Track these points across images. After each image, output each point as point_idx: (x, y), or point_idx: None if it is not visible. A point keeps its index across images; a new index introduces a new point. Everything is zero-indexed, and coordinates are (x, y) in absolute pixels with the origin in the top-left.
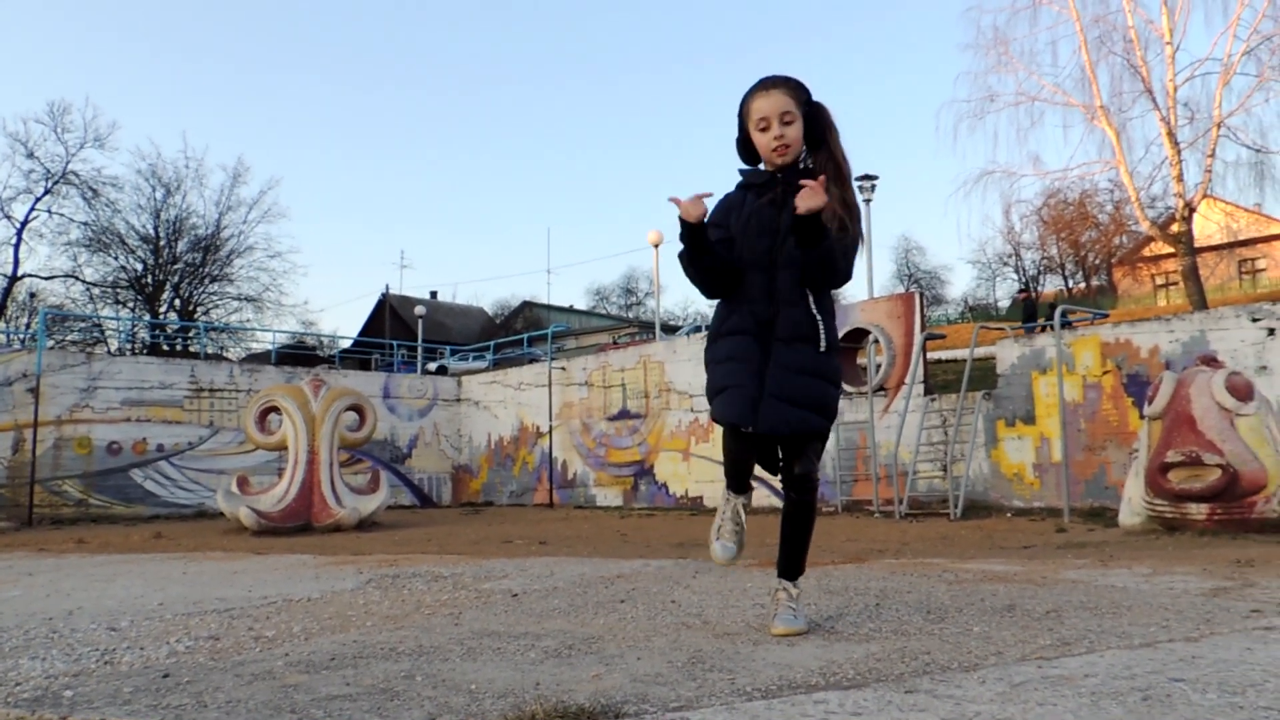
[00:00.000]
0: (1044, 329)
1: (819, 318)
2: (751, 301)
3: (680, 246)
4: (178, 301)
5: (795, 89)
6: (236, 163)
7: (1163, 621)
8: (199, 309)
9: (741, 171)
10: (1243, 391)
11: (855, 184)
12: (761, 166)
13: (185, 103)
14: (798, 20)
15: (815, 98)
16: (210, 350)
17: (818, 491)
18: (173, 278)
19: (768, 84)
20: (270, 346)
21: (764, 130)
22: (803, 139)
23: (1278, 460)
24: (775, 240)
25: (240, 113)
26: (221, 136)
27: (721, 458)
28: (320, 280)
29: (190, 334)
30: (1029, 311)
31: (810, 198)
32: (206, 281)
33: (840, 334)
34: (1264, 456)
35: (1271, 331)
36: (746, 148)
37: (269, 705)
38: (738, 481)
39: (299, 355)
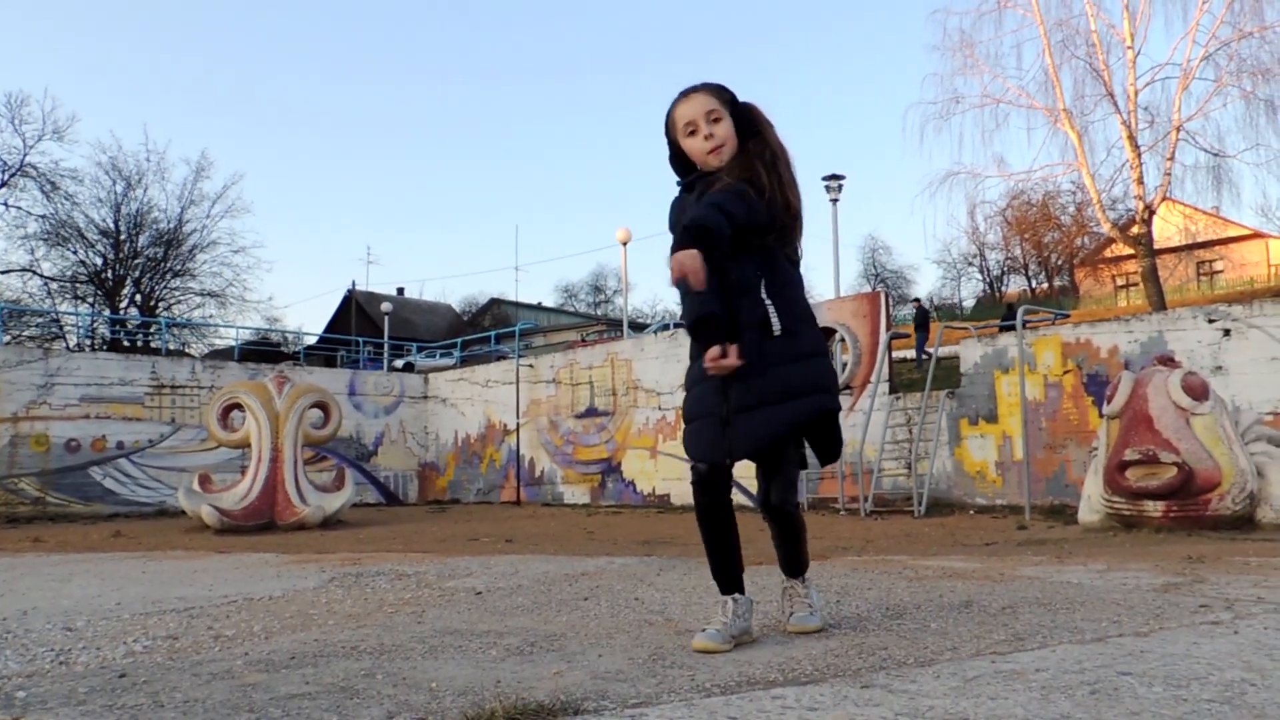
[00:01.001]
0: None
1: (767, 301)
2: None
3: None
4: (139, 297)
5: (717, 90)
6: (200, 156)
7: (1114, 617)
8: (160, 304)
9: (682, 182)
10: (1198, 391)
11: (796, 175)
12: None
13: (147, 95)
14: (767, 20)
15: (742, 99)
16: (172, 346)
17: (797, 511)
18: (133, 272)
19: (687, 91)
20: (234, 343)
21: (693, 134)
22: (735, 137)
23: (1231, 459)
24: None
25: (204, 106)
26: (184, 130)
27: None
28: (285, 276)
29: (151, 330)
30: (921, 319)
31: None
32: (168, 277)
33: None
34: (1218, 455)
35: (1227, 332)
36: (680, 161)
37: (227, 704)
38: (727, 569)
39: (263, 352)
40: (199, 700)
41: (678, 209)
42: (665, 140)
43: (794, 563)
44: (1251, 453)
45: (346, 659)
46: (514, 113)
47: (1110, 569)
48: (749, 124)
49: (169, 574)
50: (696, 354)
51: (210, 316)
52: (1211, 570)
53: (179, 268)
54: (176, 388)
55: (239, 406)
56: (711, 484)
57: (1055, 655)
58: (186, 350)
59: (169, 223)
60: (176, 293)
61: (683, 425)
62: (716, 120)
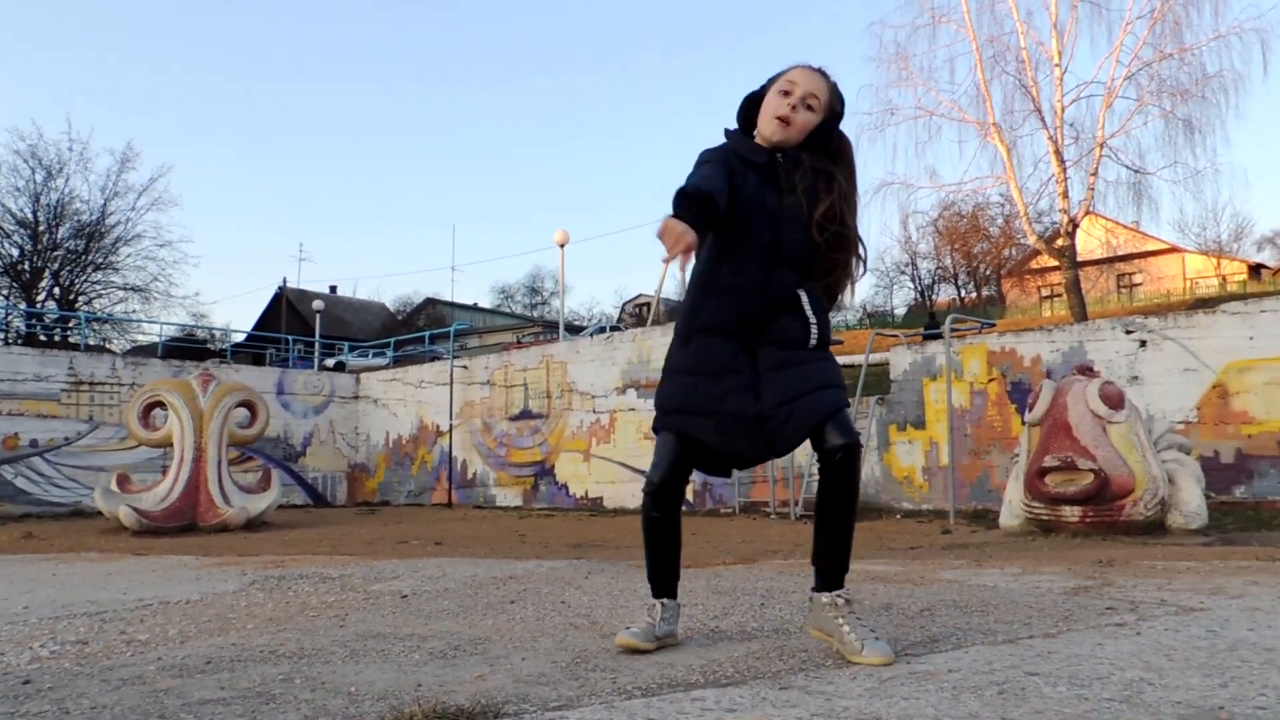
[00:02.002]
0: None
1: (812, 319)
2: (740, 295)
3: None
4: (57, 290)
5: (836, 94)
6: (125, 147)
7: (1025, 619)
8: (80, 298)
9: (732, 136)
10: (1115, 400)
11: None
12: (754, 136)
13: (70, 84)
14: (704, 26)
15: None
16: (92, 342)
17: (861, 457)
18: (52, 265)
19: (817, 68)
20: (157, 339)
21: (784, 94)
22: (804, 138)
23: (1144, 466)
24: (779, 232)
25: (130, 96)
26: (109, 120)
27: (643, 480)
28: (213, 272)
29: (70, 324)
30: None
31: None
32: (89, 270)
33: None
34: (1132, 462)
35: (1143, 344)
36: (750, 109)
37: (137, 710)
38: (664, 576)
39: (188, 349)
40: (107, 707)
41: (735, 176)
42: (761, 86)
43: (843, 556)
44: (1163, 460)
45: (264, 663)
46: (452, 111)
47: (1025, 572)
48: (831, 142)
49: (81, 577)
50: (686, 337)
51: (133, 312)
52: (1120, 574)
53: (101, 261)
54: (95, 384)
55: (161, 405)
56: (666, 498)
57: (968, 656)
58: (107, 346)
59: (91, 214)
60: (98, 287)
61: (667, 415)
62: (810, 108)
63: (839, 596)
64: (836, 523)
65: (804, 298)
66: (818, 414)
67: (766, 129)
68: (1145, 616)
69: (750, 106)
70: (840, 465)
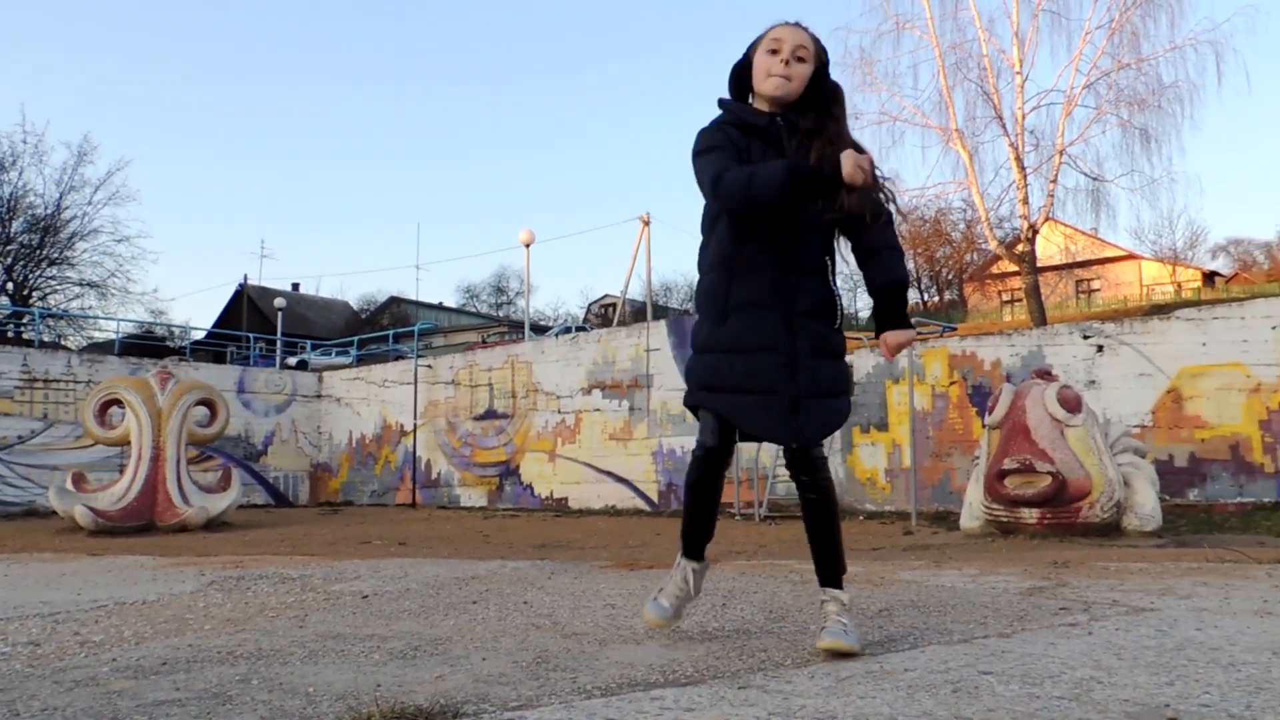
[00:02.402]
0: None
1: (837, 293)
2: (768, 270)
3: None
4: (10, 285)
5: (820, 45)
6: (82, 140)
7: (981, 619)
8: (35, 294)
9: (730, 105)
10: (1072, 404)
11: None
12: (751, 102)
13: (24, 75)
14: (673, 26)
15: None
16: (46, 338)
17: (829, 471)
18: (5, 259)
19: (794, 23)
20: (114, 336)
21: (773, 53)
22: (803, 90)
23: (1101, 469)
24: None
25: (88, 89)
26: (66, 113)
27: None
28: (172, 268)
29: (24, 320)
30: None
31: (851, 168)
32: (44, 265)
33: None
34: (1089, 465)
35: (1100, 348)
36: (740, 78)
37: (89, 712)
38: (698, 537)
39: (147, 346)
40: (59, 709)
41: (740, 153)
42: (746, 51)
43: (831, 559)
44: (1119, 463)
45: (221, 664)
46: (417, 108)
47: (983, 573)
48: (824, 90)
49: (34, 577)
50: (722, 315)
51: (90, 308)
52: (1075, 575)
53: (56, 256)
54: (50, 381)
55: (118, 402)
56: (715, 461)
57: (924, 656)
58: (62, 342)
59: (46, 208)
60: (53, 282)
61: (703, 391)
62: (802, 59)
63: (834, 596)
64: (823, 528)
65: (830, 267)
66: (835, 424)
67: (767, 87)
68: (1097, 616)
69: (740, 77)
70: (816, 488)
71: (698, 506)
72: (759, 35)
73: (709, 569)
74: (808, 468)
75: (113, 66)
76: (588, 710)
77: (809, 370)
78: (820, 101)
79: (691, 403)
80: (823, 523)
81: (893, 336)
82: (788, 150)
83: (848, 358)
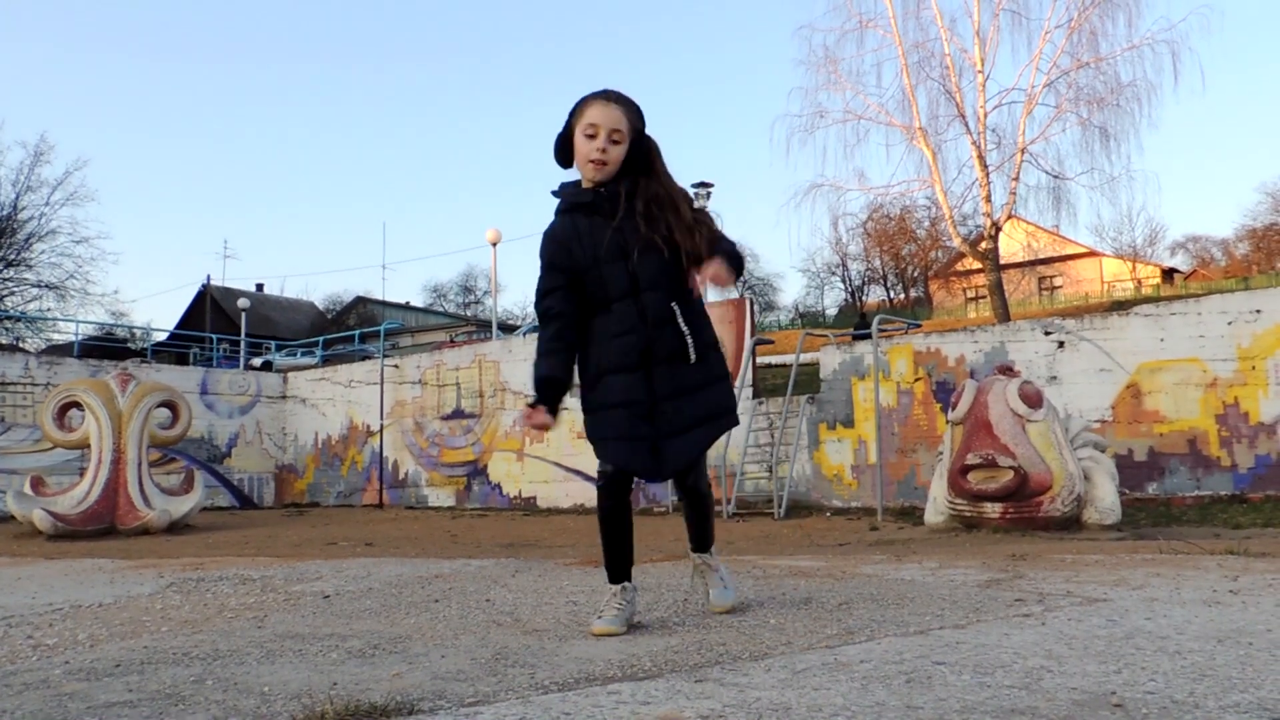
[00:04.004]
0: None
1: (685, 332)
2: (625, 333)
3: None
4: None
5: (634, 113)
6: (39, 140)
7: (938, 611)
8: None
9: (560, 193)
10: (1033, 399)
11: (692, 191)
12: (577, 178)
13: None
14: (640, 24)
15: (647, 129)
16: (4, 341)
17: (710, 491)
18: None
19: (610, 96)
20: (74, 338)
21: (590, 138)
22: (621, 164)
23: (1062, 464)
24: (629, 262)
25: (45, 87)
26: (21, 111)
27: (595, 497)
28: (133, 269)
29: None
30: None
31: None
32: (0, 266)
33: None
34: (1050, 460)
35: (1061, 345)
36: (565, 147)
37: (39, 715)
38: (623, 562)
39: (107, 348)
40: (8, 711)
41: (572, 242)
42: (565, 121)
43: (705, 537)
44: (1080, 458)
45: (176, 665)
46: (383, 105)
47: (942, 566)
48: (644, 157)
49: None
50: (593, 381)
51: (48, 310)
52: (1032, 567)
53: (13, 257)
54: (7, 385)
55: (78, 405)
56: (619, 488)
57: (880, 647)
58: (20, 345)
59: (2, 209)
60: (10, 284)
61: (593, 439)
62: (616, 141)
63: (705, 560)
64: (702, 520)
65: (678, 311)
66: (695, 453)
67: (587, 171)
68: (1051, 607)
69: (564, 144)
70: (690, 495)
71: (615, 535)
72: (576, 105)
73: (637, 590)
74: (681, 481)
75: (70, 63)
76: (544, 705)
77: (666, 415)
78: (637, 163)
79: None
80: (697, 514)
81: (713, 265)
82: (619, 213)
83: (814, 355)
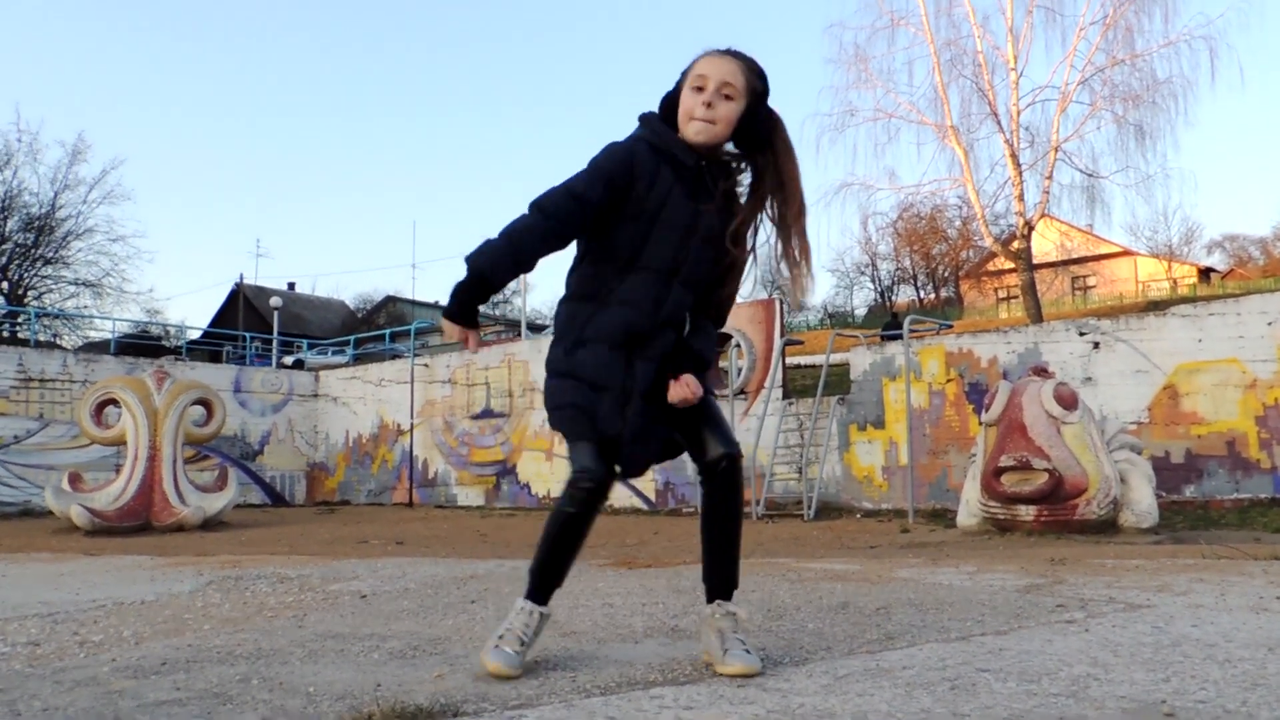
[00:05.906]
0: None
1: (688, 345)
2: (633, 309)
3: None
4: (5, 284)
5: (754, 72)
6: (77, 139)
7: (979, 616)
8: (30, 293)
9: (656, 126)
10: (1068, 401)
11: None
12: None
13: (19, 74)
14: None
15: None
16: (42, 338)
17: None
18: (0, 258)
19: (725, 50)
20: (110, 335)
21: (698, 90)
22: (732, 130)
23: (1097, 466)
24: (685, 248)
25: (83, 87)
26: (61, 110)
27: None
28: (168, 267)
29: (19, 319)
30: None
31: (681, 392)
32: (39, 264)
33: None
34: (1085, 462)
35: (1096, 345)
36: (670, 107)
37: (90, 712)
38: (554, 579)
39: (142, 345)
40: (60, 709)
41: (644, 177)
42: (678, 79)
43: (727, 569)
44: (1116, 460)
45: (221, 664)
46: (414, 105)
47: (980, 571)
48: (762, 127)
49: (32, 577)
50: (574, 345)
51: (85, 307)
52: (1071, 572)
53: (51, 255)
54: (46, 381)
55: (114, 402)
56: (598, 497)
57: (922, 653)
58: (58, 342)
59: (41, 207)
60: (48, 281)
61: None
62: (728, 97)
63: (726, 610)
64: (723, 533)
65: (688, 322)
66: (657, 459)
67: (689, 132)
68: (1094, 614)
69: (670, 106)
70: (724, 475)
71: (567, 543)
72: (690, 63)
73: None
74: (723, 456)
75: (108, 64)
76: (588, 709)
77: (638, 413)
78: (754, 136)
79: (553, 424)
80: (733, 512)
81: (681, 386)
82: (714, 192)
83: (844, 355)
